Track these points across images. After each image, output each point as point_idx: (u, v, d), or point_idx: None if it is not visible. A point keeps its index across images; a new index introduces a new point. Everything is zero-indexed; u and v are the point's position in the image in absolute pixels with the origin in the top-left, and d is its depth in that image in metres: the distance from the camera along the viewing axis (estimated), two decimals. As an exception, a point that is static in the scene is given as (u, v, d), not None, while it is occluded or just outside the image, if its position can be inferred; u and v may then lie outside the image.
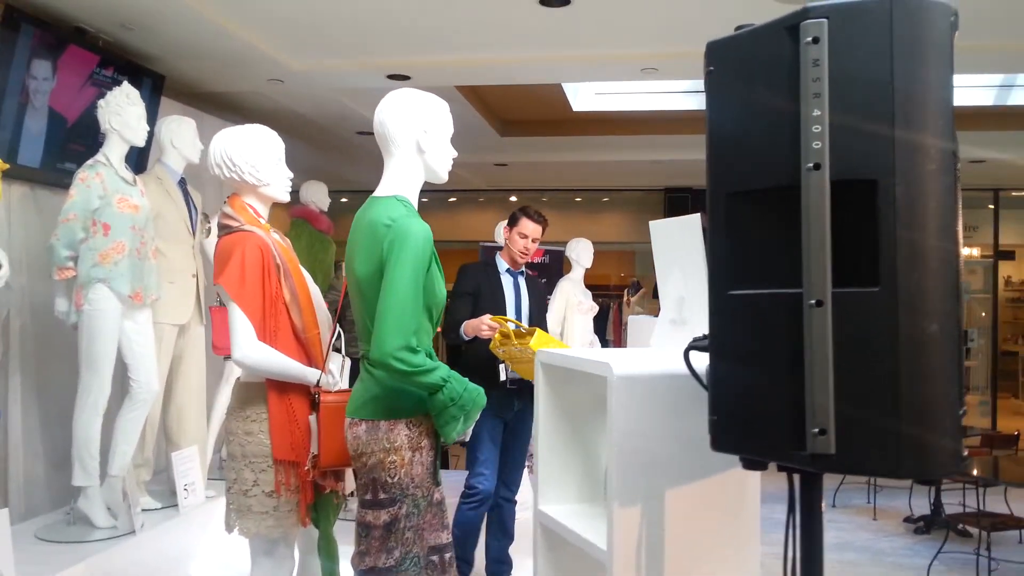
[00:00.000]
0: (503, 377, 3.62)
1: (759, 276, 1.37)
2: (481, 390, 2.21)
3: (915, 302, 1.22)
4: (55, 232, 3.42)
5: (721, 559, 1.89)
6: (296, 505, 2.47)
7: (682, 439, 1.79)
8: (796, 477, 1.45)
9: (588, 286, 5.80)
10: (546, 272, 6.16)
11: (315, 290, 2.62)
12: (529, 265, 3.92)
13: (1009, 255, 10.06)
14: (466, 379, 2.18)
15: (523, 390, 3.70)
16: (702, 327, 1.55)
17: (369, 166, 6.59)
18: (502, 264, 3.88)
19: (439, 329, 2.47)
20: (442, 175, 2.32)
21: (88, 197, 3.43)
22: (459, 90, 5.94)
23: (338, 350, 2.59)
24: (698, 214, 2.13)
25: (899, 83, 1.23)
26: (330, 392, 2.45)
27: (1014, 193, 9.40)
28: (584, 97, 7.13)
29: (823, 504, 1.47)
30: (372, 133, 2.28)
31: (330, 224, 6.04)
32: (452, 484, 2.31)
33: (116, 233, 3.46)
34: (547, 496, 2.14)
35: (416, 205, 2.26)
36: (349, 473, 2.65)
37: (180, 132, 4.04)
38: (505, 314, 3.69)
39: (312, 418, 2.43)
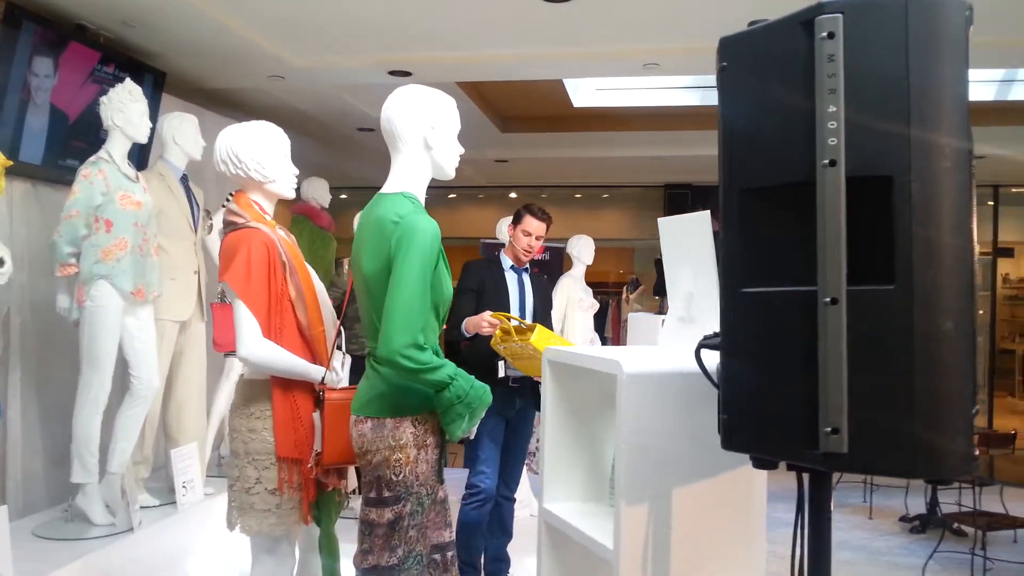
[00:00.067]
0: (502, 374, 3.60)
1: (772, 273, 1.35)
2: (487, 388, 2.20)
3: (930, 300, 1.21)
4: (57, 229, 3.41)
5: (729, 557, 1.89)
6: (298, 503, 2.46)
7: (691, 437, 1.78)
8: (805, 476, 1.44)
9: (587, 283, 5.78)
10: (547, 269, 6.13)
11: (320, 287, 2.60)
12: (530, 262, 3.91)
13: (1008, 252, 9.97)
14: (472, 377, 2.18)
15: (524, 388, 3.69)
16: (711, 325, 1.54)
17: (370, 162, 6.61)
18: (506, 261, 3.87)
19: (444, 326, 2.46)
20: (449, 171, 2.31)
21: (91, 194, 3.41)
22: (460, 86, 5.92)
23: (339, 347, 2.58)
24: (707, 211, 2.13)
25: (915, 79, 1.22)
26: (334, 389, 2.44)
27: (1014, 189, 9.36)
28: (585, 93, 7.11)
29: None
30: (373, 129, 2.28)
31: (331, 221, 6.02)
32: (450, 482, 2.31)
33: (119, 230, 3.44)
34: (552, 495, 2.13)
35: (423, 201, 2.25)
36: (351, 471, 2.64)
37: (182, 129, 4.02)
38: (509, 311, 3.67)
39: (316, 415, 2.42)
